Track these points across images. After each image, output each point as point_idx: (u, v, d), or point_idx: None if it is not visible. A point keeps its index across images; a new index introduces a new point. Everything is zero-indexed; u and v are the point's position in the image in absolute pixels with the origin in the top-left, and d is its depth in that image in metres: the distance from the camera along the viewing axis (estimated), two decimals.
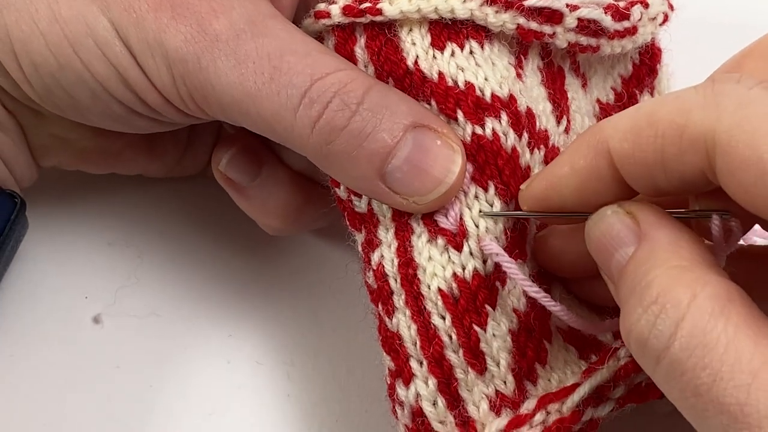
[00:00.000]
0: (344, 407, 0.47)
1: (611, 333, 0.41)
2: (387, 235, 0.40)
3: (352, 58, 0.40)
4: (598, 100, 0.46)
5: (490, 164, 0.39)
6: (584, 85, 0.45)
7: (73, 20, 0.40)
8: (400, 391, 0.38)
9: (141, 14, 0.39)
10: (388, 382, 0.39)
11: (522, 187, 0.39)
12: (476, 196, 0.39)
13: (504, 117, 0.39)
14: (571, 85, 0.44)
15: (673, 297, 0.31)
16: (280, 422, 0.47)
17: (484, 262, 0.38)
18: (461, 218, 0.39)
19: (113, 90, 0.41)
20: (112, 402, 0.47)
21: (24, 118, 0.45)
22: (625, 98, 0.48)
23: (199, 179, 0.52)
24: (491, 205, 0.39)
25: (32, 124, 0.45)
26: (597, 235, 0.36)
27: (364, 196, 0.41)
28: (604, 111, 0.47)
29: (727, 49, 0.53)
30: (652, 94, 0.50)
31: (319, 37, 0.42)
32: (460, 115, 0.39)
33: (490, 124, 0.39)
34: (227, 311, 0.50)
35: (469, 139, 0.39)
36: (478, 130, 0.39)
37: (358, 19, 0.40)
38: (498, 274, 0.38)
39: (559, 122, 0.42)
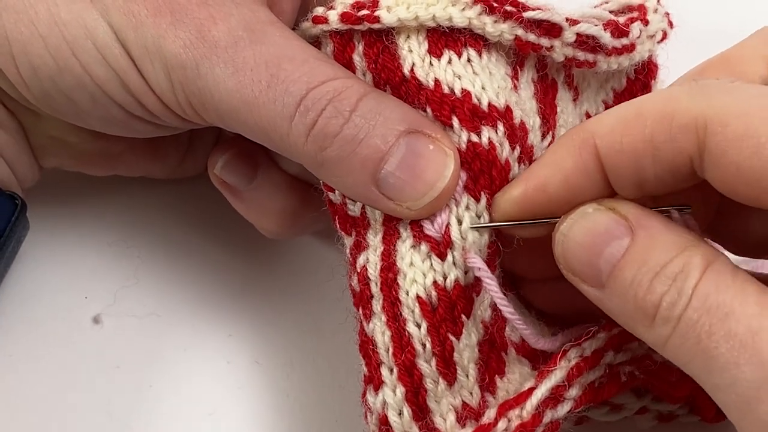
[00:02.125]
0: (344, 407, 0.48)
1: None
2: (375, 239, 0.40)
3: (350, 65, 0.40)
4: (587, 113, 0.46)
5: (484, 173, 0.39)
6: (575, 99, 0.45)
7: (73, 23, 0.40)
8: (370, 397, 0.38)
9: (140, 19, 0.39)
10: (362, 388, 0.39)
11: (498, 194, 0.39)
12: (467, 207, 0.39)
13: (500, 127, 0.39)
14: (562, 99, 0.44)
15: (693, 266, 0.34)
16: (279, 422, 0.47)
17: (466, 272, 0.38)
18: (447, 227, 0.38)
19: (112, 93, 0.41)
20: (112, 402, 0.47)
21: (24, 119, 0.45)
22: None
23: (199, 180, 0.52)
24: (479, 217, 0.39)
25: (32, 125, 0.45)
26: (580, 233, 0.36)
27: None
28: None
29: None
30: None
31: (317, 41, 0.41)
32: (455, 122, 0.39)
33: (487, 133, 0.39)
34: (227, 311, 0.50)
35: (464, 146, 0.39)
36: (474, 138, 0.39)
37: (356, 27, 0.40)
38: (475, 284, 0.38)
39: (543, 138, 0.42)
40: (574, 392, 0.38)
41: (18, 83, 0.42)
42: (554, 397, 0.38)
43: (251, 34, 0.39)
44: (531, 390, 0.38)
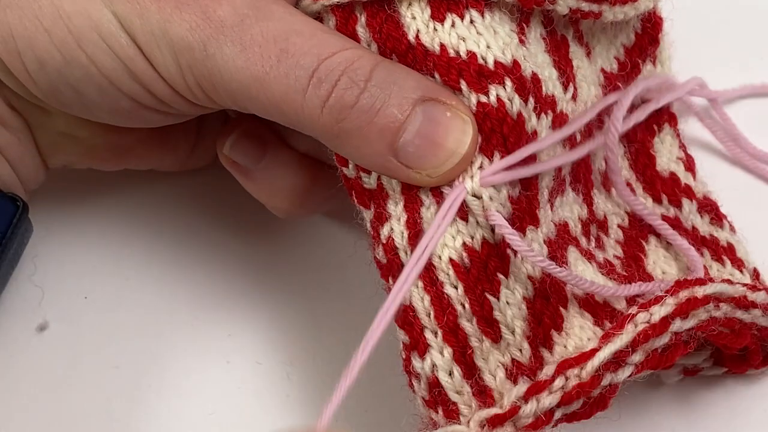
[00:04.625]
0: (344, 407, 0.47)
1: (625, 299, 0.41)
2: (396, 209, 0.40)
3: (354, 37, 0.41)
4: (602, 70, 0.46)
5: (496, 132, 0.39)
6: (588, 54, 0.46)
7: (77, 15, 0.40)
8: (416, 363, 0.38)
9: (144, 5, 0.40)
10: (404, 356, 0.39)
11: None
12: (481, 167, 0.39)
13: (508, 83, 0.39)
14: (576, 53, 0.44)
15: None
16: (279, 422, 0.47)
17: (493, 230, 0.38)
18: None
19: (120, 83, 0.41)
20: (112, 402, 0.47)
21: (32, 117, 0.45)
22: (629, 68, 0.48)
23: (198, 179, 0.52)
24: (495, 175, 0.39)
25: (40, 123, 0.45)
26: None
27: (373, 172, 0.41)
28: (609, 80, 0.47)
29: (727, 17, 0.54)
30: (654, 63, 0.50)
31: (318, 17, 0.42)
32: (463, 85, 0.39)
33: (494, 91, 0.39)
34: (227, 311, 0.50)
35: (474, 108, 0.39)
36: (483, 99, 0.39)
37: None
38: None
39: (566, 89, 0.42)
40: (637, 358, 0.38)
41: (25, 79, 0.42)
42: (616, 361, 0.38)
43: (257, 12, 0.40)
44: (594, 351, 0.38)
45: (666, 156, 0.50)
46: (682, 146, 0.51)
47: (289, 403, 0.48)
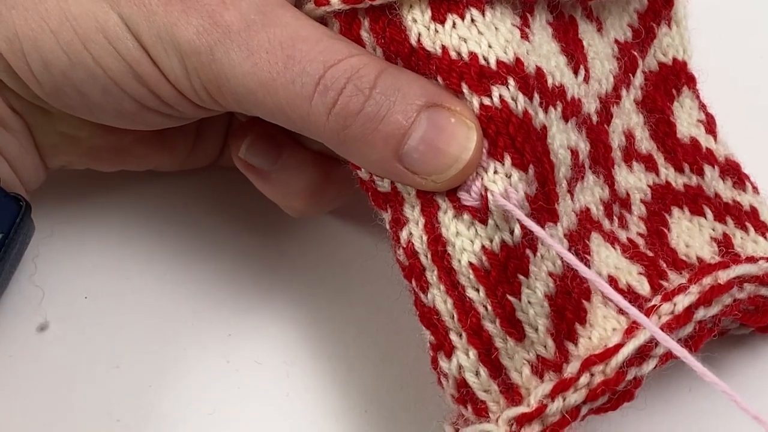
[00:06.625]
0: (344, 407, 0.48)
1: (649, 284, 0.41)
2: (413, 213, 0.40)
3: (359, 42, 0.41)
4: (616, 41, 0.46)
5: (502, 134, 0.38)
6: (599, 29, 0.45)
7: (83, 17, 0.40)
8: (443, 363, 0.39)
9: (151, 8, 0.40)
10: (431, 355, 0.39)
11: None
12: (495, 171, 0.38)
13: (511, 82, 0.39)
14: (586, 32, 0.44)
15: None
16: (279, 422, 0.47)
17: (511, 233, 0.38)
18: (483, 194, 0.38)
19: (125, 85, 0.41)
20: (112, 402, 0.47)
21: (32, 118, 0.45)
22: (643, 34, 0.48)
23: (198, 179, 0.52)
24: (509, 177, 0.38)
25: (40, 123, 0.45)
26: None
27: None
28: (623, 51, 0.47)
29: (727, 16, 0.53)
30: (669, 25, 0.49)
31: (322, 21, 0.42)
32: (465, 88, 0.39)
33: (497, 91, 0.39)
34: (226, 310, 0.50)
35: (477, 112, 0.39)
36: (486, 101, 0.39)
37: (358, 6, 0.40)
38: (528, 242, 0.38)
39: (576, 73, 0.42)
40: (661, 350, 0.38)
41: (29, 80, 0.42)
42: (640, 355, 0.38)
43: (263, 17, 0.40)
44: (618, 347, 0.38)
45: (686, 120, 0.49)
46: (702, 106, 0.50)
47: (289, 402, 0.48)
